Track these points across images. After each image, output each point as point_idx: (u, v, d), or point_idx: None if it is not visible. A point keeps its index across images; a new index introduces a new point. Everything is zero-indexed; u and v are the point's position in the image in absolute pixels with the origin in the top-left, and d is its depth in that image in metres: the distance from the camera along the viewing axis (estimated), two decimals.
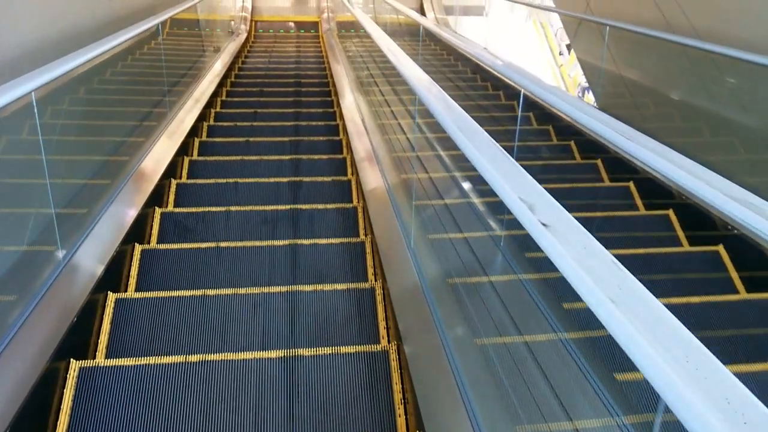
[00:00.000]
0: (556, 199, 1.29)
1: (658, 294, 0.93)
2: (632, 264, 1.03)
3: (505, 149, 1.59)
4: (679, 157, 1.80)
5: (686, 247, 3.65)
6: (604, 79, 5.41)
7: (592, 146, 4.75)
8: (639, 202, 4.17)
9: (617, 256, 1.04)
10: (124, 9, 5.00)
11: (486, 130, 1.71)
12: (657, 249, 3.53)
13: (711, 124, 4.36)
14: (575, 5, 5.87)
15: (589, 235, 1.15)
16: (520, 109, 5.16)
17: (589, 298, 0.99)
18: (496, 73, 6.62)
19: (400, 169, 3.63)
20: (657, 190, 3.98)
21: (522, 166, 1.47)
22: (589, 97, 10.41)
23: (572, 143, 5.11)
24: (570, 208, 1.24)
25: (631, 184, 4.24)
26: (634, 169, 4.19)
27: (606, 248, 1.08)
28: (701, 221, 3.58)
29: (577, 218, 1.20)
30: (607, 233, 3.62)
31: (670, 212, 3.81)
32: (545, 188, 1.36)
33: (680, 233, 3.72)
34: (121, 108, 4.19)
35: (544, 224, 1.21)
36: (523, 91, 3.44)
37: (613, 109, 5.04)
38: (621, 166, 4.37)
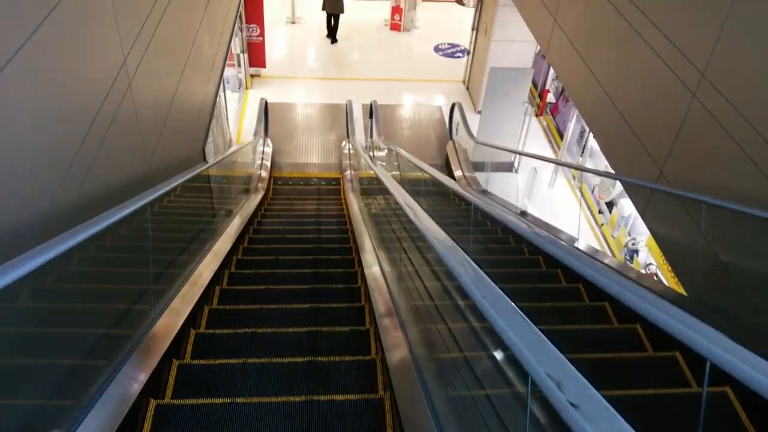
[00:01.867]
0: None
1: None
2: None
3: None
4: None
5: None
6: (698, 261, 4.26)
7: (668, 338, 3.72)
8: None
9: None
10: (100, 189, 3.50)
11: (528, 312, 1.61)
12: None
13: None
14: (643, 170, 4.80)
15: (620, 418, 1.13)
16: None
17: None
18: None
19: (420, 322, 3.60)
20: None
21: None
22: (638, 260, 9.62)
23: (638, 327, 4.17)
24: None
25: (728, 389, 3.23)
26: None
27: None
28: None
29: None
30: None
31: None
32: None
33: None
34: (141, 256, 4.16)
35: (573, 405, 1.19)
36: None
37: (712, 298, 4.12)
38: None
